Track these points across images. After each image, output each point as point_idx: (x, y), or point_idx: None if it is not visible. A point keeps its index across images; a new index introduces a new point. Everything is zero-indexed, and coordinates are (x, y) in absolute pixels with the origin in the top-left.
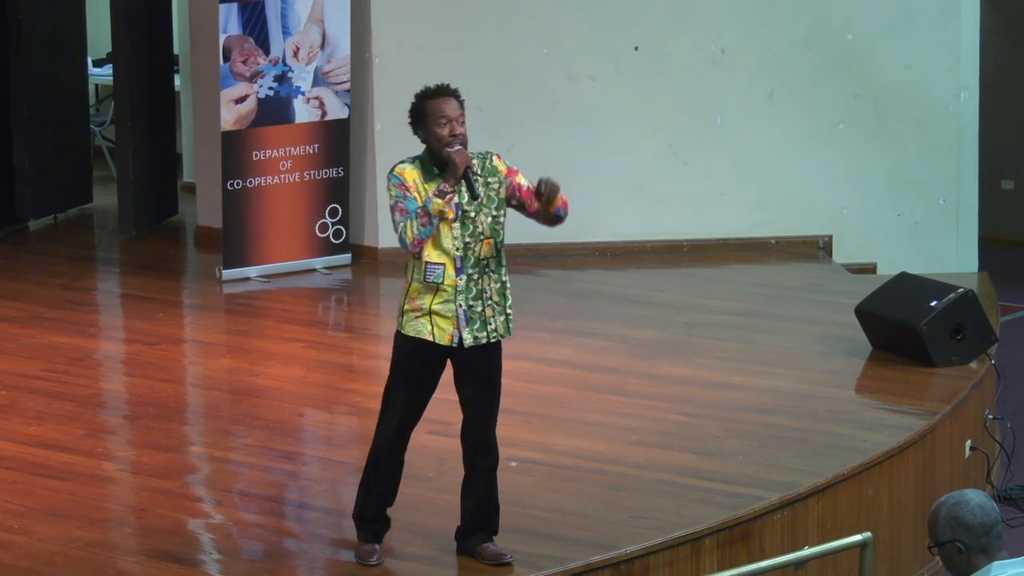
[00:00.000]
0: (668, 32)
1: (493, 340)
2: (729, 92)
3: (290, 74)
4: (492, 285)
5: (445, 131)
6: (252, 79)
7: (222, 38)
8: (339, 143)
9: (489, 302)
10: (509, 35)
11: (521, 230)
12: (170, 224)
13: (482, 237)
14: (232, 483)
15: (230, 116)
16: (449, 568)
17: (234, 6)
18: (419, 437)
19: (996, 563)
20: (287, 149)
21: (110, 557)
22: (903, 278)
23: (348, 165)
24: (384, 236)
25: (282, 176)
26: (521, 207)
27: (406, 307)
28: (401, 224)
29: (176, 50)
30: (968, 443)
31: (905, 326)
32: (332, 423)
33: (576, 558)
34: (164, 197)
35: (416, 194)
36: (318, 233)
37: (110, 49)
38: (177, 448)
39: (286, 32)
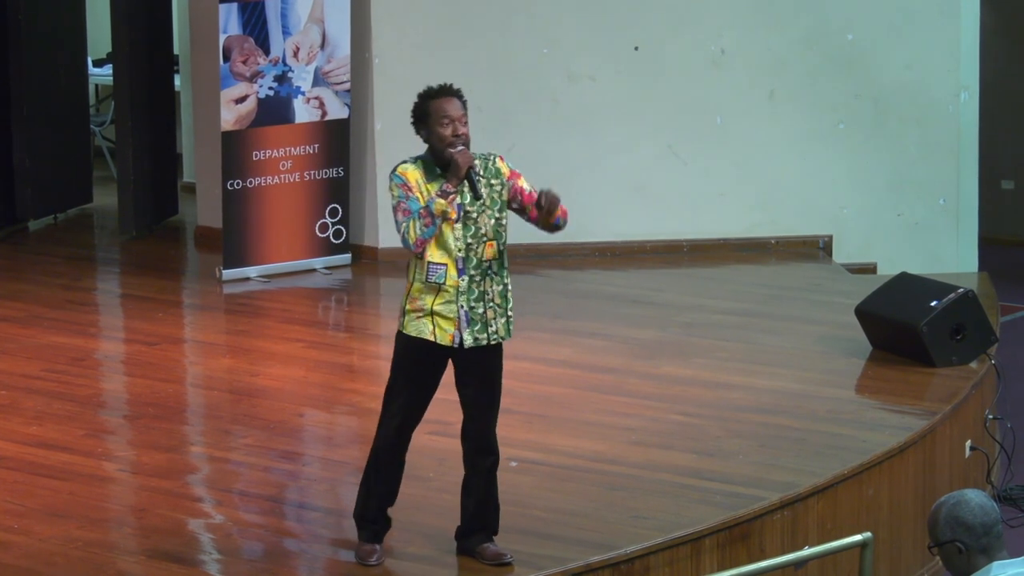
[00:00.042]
0: (668, 32)
1: (494, 342)
2: (729, 92)
3: (290, 74)
4: (494, 287)
5: (448, 131)
6: (252, 79)
7: (222, 38)
8: (339, 143)
9: (491, 304)
10: (509, 35)
11: (521, 230)
12: (170, 224)
13: (484, 239)
14: (232, 483)
15: (230, 116)
16: (449, 568)
17: (234, 6)
18: (419, 437)
19: (996, 563)
20: (287, 149)
21: (110, 557)
22: (903, 278)
23: (348, 165)
24: (384, 236)
25: (282, 176)
26: (522, 211)
27: (408, 307)
28: (404, 224)
29: (176, 50)
30: (968, 443)
31: (905, 326)
32: (332, 423)
33: (576, 558)
34: (164, 197)
35: (418, 194)
36: (318, 233)
37: (110, 49)
38: (177, 448)
39: (286, 32)
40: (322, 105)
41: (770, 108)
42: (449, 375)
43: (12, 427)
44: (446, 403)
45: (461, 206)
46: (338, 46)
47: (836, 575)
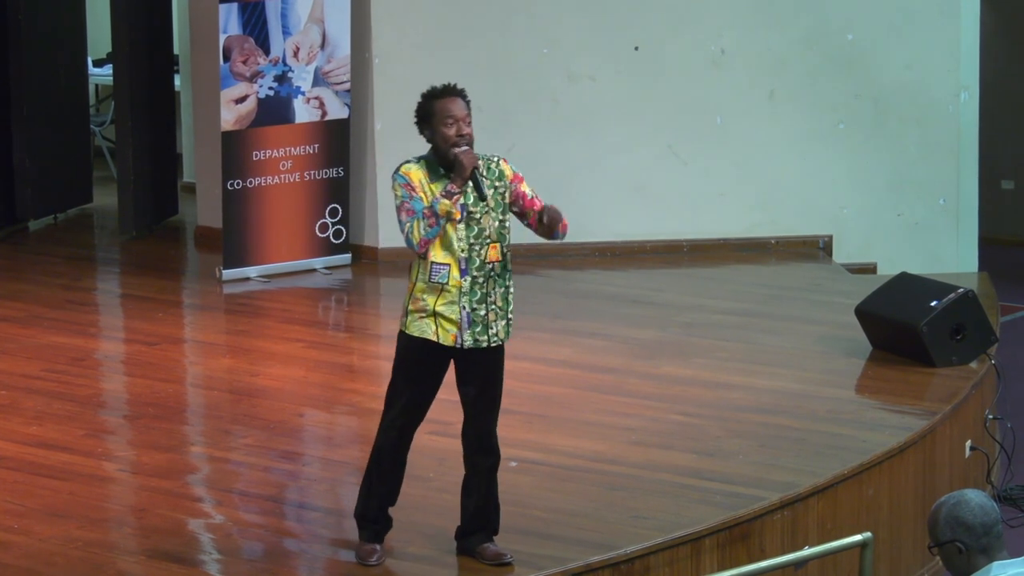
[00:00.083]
0: (668, 32)
1: (494, 344)
2: (729, 92)
3: (290, 74)
4: (497, 290)
5: (452, 131)
6: (252, 79)
7: (222, 38)
8: (339, 143)
9: (493, 306)
10: (509, 35)
11: (521, 230)
12: (170, 224)
13: (488, 240)
14: (232, 483)
15: (230, 116)
16: (449, 568)
17: (234, 6)
18: (419, 437)
19: (996, 563)
20: (287, 149)
21: (110, 557)
22: (903, 278)
23: (348, 165)
24: (384, 236)
25: (282, 176)
26: (522, 215)
27: (410, 307)
28: (408, 224)
29: (176, 50)
30: (968, 443)
31: (905, 326)
32: (332, 423)
33: (576, 558)
34: (164, 197)
35: (422, 194)
36: (318, 233)
37: (110, 49)
38: (177, 448)
39: (286, 32)
40: (322, 105)
41: (770, 108)
42: (450, 375)
43: (12, 427)
44: (446, 403)
45: (464, 207)
46: (338, 46)
47: (836, 575)
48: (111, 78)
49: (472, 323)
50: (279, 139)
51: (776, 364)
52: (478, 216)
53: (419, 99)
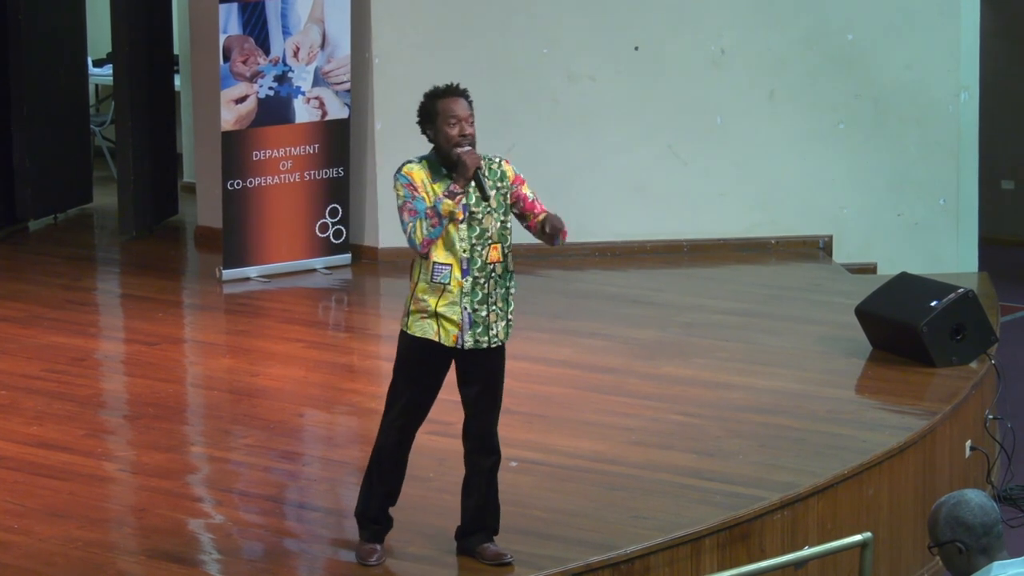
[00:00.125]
0: (668, 32)
1: (494, 345)
2: (729, 92)
3: (290, 74)
4: (498, 291)
5: (455, 131)
6: (252, 79)
7: (222, 38)
8: (339, 143)
9: (494, 307)
10: (509, 35)
11: (521, 230)
12: (170, 224)
13: (489, 241)
14: (232, 483)
15: (230, 116)
16: (449, 568)
17: (234, 6)
18: (419, 437)
19: (996, 563)
20: (287, 149)
21: (110, 557)
22: (903, 278)
23: (348, 165)
24: (384, 236)
25: (282, 176)
26: (522, 217)
27: (412, 308)
28: (410, 224)
29: (176, 50)
30: (968, 443)
31: (905, 326)
32: (332, 423)
33: (576, 558)
34: (164, 197)
35: (424, 194)
36: (318, 233)
37: (110, 49)
38: (177, 448)
39: (286, 32)
40: (322, 105)
41: (770, 108)
42: (450, 375)
43: (12, 427)
44: (446, 403)
45: (467, 207)
46: (338, 46)
47: (836, 575)
48: (111, 78)
49: (473, 324)
50: (279, 139)
51: (776, 364)
52: (480, 216)
53: (422, 99)
